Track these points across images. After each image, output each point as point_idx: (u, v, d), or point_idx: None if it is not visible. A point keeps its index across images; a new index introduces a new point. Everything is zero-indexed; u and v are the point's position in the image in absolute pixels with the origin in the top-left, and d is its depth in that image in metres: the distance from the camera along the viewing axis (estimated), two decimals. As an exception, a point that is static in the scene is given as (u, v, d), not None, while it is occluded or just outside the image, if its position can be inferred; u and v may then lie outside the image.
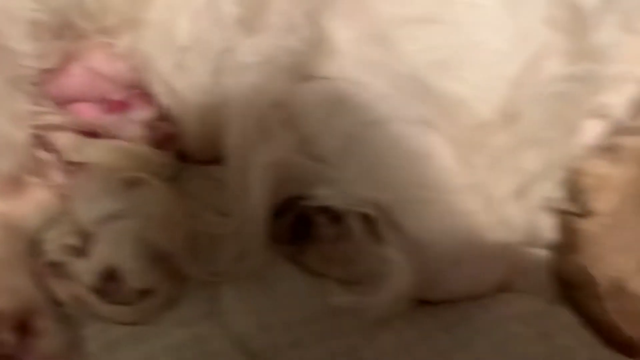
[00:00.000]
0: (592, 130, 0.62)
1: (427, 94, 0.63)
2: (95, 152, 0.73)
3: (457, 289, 0.63)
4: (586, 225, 0.62)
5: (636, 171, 0.59)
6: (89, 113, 0.77)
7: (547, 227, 0.67)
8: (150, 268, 0.62)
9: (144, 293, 0.61)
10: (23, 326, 0.53)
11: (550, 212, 0.66)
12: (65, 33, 0.73)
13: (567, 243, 0.65)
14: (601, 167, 0.60)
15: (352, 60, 0.65)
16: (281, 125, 0.69)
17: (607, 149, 0.60)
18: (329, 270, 0.64)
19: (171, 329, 0.57)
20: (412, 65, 0.64)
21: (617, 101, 0.61)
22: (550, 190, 0.65)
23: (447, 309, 0.62)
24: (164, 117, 0.80)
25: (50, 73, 0.73)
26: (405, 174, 0.63)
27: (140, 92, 0.79)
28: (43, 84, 0.73)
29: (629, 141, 0.59)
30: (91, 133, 0.77)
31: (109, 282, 0.61)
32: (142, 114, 0.79)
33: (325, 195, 0.63)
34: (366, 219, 0.63)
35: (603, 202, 0.60)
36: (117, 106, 0.79)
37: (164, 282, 0.62)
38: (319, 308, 0.61)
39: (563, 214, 0.65)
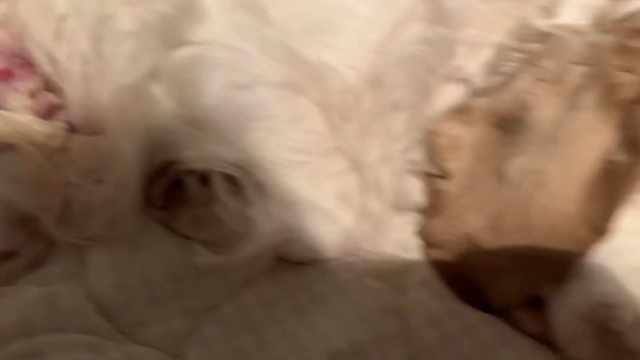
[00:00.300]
0: (450, 94, 0.65)
1: (296, 59, 0.65)
2: None
3: (323, 248, 0.65)
4: (446, 186, 0.65)
5: (486, 131, 0.61)
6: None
7: (416, 190, 0.69)
8: (13, 230, 0.61)
9: (7, 255, 0.61)
10: None
11: (416, 175, 0.68)
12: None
13: (431, 204, 0.67)
14: (453, 129, 0.62)
15: (222, 25, 0.66)
16: (159, 91, 0.70)
17: (459, 111, 0.63)
18: (197, 232, 0.65)
19: (25, 287, 0.57)
20: (280, 31, 0.65)
21: (471, 65, 0.64)
22: (414, 153, 0.67)
23: (308, 267, 0.63)
24: (49, 87, 0.80)
25: None
26: (273, 136, 0.64)
27: (23, 61, 0.79)
28: None
29: (479, 102, 0.62)
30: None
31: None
32: (26, 83, 0.78)
33: (193, 157, 0.64)
34: (234, 180, 0.64)
35: (456, 162, 0.62)
36: (3, 76, 0.78)
37: (28, 244, 0.62)
38: (183, 268, 0.61)
39: (427, 176, 0.66)
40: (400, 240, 0.70)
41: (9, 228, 0.61)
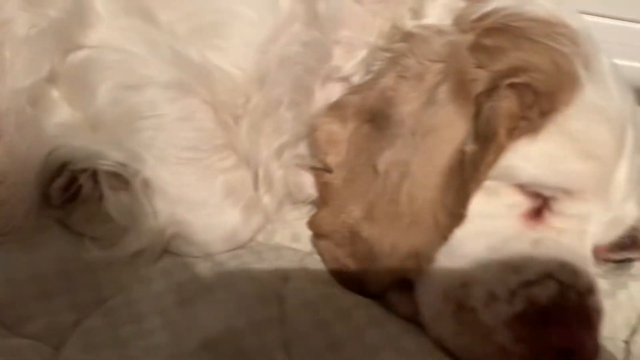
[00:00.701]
0: (331, 92, 0.68)
1: (183, 60, 0.67)
2: None
3: (211, 242, 0.67)
4: (330, 179, 0.68)
5: (359, 126, 0.65)
6: None
7: (309, 184, 0.72)
8: None
9: None
10: None
11: (307, 170, 0.72)
12: None
13: (320, 197, 0.70)
14: (330, 124, 0.66)
15: (112, 29, 0.68)
16: (57, 95, 0.72)
17: (335, 107, 0.66)
18: (89, 229, 0.67)
19: None
20: (168, 33, 0.68)
21: (348, 65, 0.68)
22: (302, 149, 0.71)
23: (198, 260, 0.66)
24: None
25: None
26: (162, 135, 0.67)
27: None
28: None
29: (351, 99, 0.65)
30: None
31: None
32: None
33: (83, 157, 0.67)
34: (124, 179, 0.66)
35: (335, 156, 0.66)
36: None
37: None
38: (74, 264, 0.63)
39: (315, 170, 0.70)
40: (293, 232, 0.74)
41: None
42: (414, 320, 0.62)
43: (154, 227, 0.64)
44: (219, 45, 0.68)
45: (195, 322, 0.59)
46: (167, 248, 0.67)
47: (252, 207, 0.70)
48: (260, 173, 0.72)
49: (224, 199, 0.67)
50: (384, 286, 0.64)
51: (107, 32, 0.68)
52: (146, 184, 0.66)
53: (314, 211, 0.72)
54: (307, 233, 0.71)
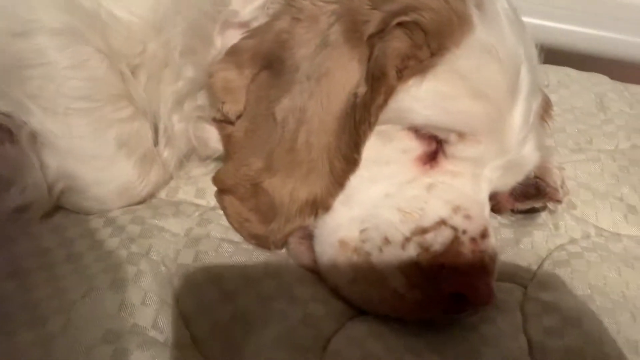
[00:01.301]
0: (230, 38, 0.66)
1: (75, 6, 0.64)
2: None
3: (103, 197, 0.65)
4: (232, 131, 0.66)
5: (256, 72, 0.63)
6: None
7: (214, 138, 0.70)
8: None
9: None
10: None
11: (212, 123, 0.69)
12: None
13: (224, 150, 0.68)
14: (226, 70, 0.63)
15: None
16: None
17: (231, 53, 0.64)
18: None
19: None
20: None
21: (247, 9, 0.65)
22: (202, 99, 0.68)
23: (91, 216, 0.63)
24: None
25: None
26: (50, 84, 0.63)
27: None
28: None
29: (246, 44, 0.63)
30: None
31: None
32: None
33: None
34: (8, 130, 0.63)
35: (233, 105, 0.64)
36: None
37: None
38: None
39: (219, 122, 0.67)
40: (197, 189, 0.71)
41: None
42: (314, 271, 0.61)
43: (40, 180, 0.61)
44: None
45: (82, 276, 0.56)
46: (60, 204, 0.64)
47: (149, 161, 0.67)
48: (160, 126, 0.70)
49: (117, 151, 0.64)
50: (285, 237, 0.62)
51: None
52: (33, 136, 0.62)
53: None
54: (212, 189, 0.69)
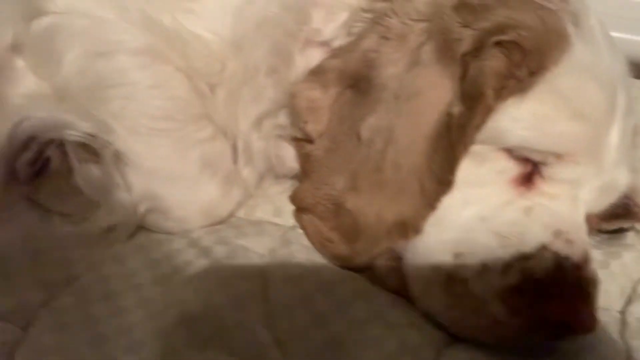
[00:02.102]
0: (311, 57, 0.65)
1: (155, 25, 0.64)
2: None
3: (187, 218, 0.64)
4: (311, 150, 0.65)
5: (341, 92, 0.62)
6: None
7: (290, 157, 0.69)
8: None
9: None
10: None
11: (289, 141, 0.68)
12: None
13: (301, 169, 0.67)
14: (310, 90, 0.62)
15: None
16: (22, 64, 0.68)
17: (315, 73, 0.63)
18: (58, 204, 0.64)
19: None
20: (138, -1, 0.64)
21: (329, 28, 0.64)
22: (282, 118, 0.68)
23: (174, 237, 0.63)
24: None
25: None
26: (133, 104, 0.63)
27: None
28: None
29: (331, 63, 0.62)
30: None
31: None
32: None
33: (50, 127, 0.63)
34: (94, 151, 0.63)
35: (316, 125, 0.63)
36: None
37: None
38: (42, 241, 0.60)
39: (297, 141, 0.67)
40: (275, 207, 0.71)
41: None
42: (402, 294, 0.60)
43: (126, 201, 0.61)
44: (192, 8, 0.65)
45: (172, 299, 0.56)
46: (142, 224, 0.63)
47: (230, 181, 0.67)
48: (240, 145, 0.69)
49: (201, 171, 0.64)
50: (370, 258, 0.61)
51: (72, -4, 0.65)
52: (118, 156, 0.62)
53: (296, 185, 0.69)
54: (290, 207, 0.68)
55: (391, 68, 0.58)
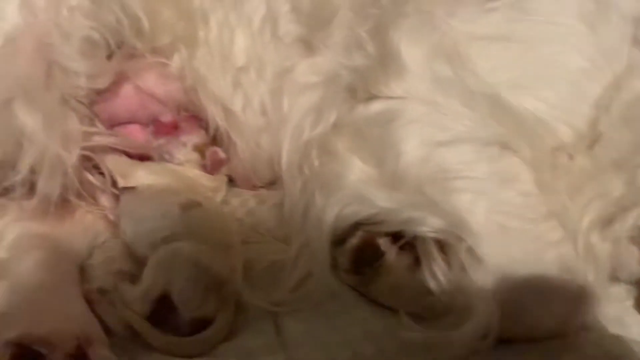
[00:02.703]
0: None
1: (505, 113, 0.60)
2: (145, 175, 0.70)
3: (542, 326, 0.57)
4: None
5: None
6: (139, 135, 0.75)
7: (634, 260, 0.61)
8: (205, 296, 0.57)
9: (200, 323, 0.57)
10: (79, 355, 0.48)
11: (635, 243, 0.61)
12: (118, 53, 0.71)
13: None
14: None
15: (421, 78, 0.62)
16: (342, 147, 0.66)
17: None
18: (398, 302, 0.59)
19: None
20: (486, 83, 0.60)
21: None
22: (632, 218, 0.60)
23: (527, 345, 0.56)
24: (214, 140, 0.78)
25: (101, 94, 0.71)
26: (482, 199, 0.58)
27: (190, 115, 0.77)
28: (94, 105, 0.71)
29: None
30: (141, 156, 0.74)
31: (163, 310, 0.57)
32: (191, 137, 0.77)
33: (391, 220, 0.60)
34: (441, 247, 0.58)
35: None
36: (168, 129, 0.77)
37: (221, 311, 0.58)
38: (391, 343, 0.55)
39: (646, 244, 0.59)
40: (617, 315, 0.62)
41: (203, 292, 0.57)
42: None
43: (486, 307, 0.55)
44: (546, 97, 0.60)
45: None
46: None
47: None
48: (579, 243, 0.62)
49: (560, 277, 0.57)
50: None
51: (414, 81, 0.62)
52: (471, 254, 0.57)
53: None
54: (635, 318, 0.59)
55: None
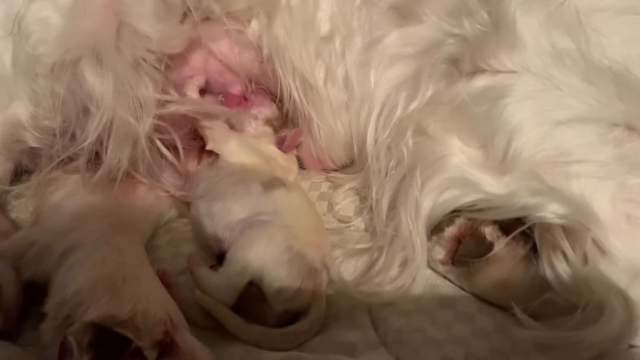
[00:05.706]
0: None
1: (632, 90, 0.53)
2: (237, 147, 0.63)
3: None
4: None
5: None
6: (209, 104, 0.69)
7: None
8: (304, 285, 0.51)
9: (290, 315, 0.51)
10: (166, 342, 0.42)
11: None
12: (192, 16, 0.64)
13: None
14: None
15: (536, 51, 0.55)
16: (435, 126, 0.60)
17: None
18: (507, 298, 0.53)
19: (338, 358, 0.46)
20: (614, 58, 0.54)
21: None
22: None
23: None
24: (286, 117, 0.72)
25: (173, 59, 0.65)
26: (606, 185, 0.52)
27: (259, 88, 0.71)
28: (166, 71, 0.64)
29: None
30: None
31: (248, 299, 0.51)
32: (263, 110, 0.70)
33: (502, 205, 0.53)
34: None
35: None
36: (238, 100, 0.71)
37: (314, 304, 0.51)
38: (504, 342, 0.49)
39: None
40: None
41: (299, 282, 0.50)
42: None
43: (619, 308, 0.48)
44: None
45: None
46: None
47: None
48: None
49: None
50: None
51: (528, 53, 0.55)
52: (597, 246, 0.50)
53: None
54: None
55: None
